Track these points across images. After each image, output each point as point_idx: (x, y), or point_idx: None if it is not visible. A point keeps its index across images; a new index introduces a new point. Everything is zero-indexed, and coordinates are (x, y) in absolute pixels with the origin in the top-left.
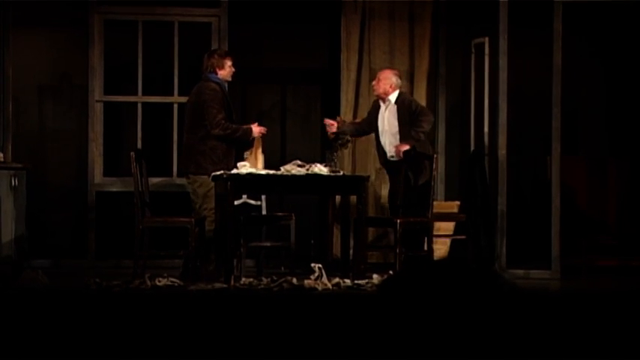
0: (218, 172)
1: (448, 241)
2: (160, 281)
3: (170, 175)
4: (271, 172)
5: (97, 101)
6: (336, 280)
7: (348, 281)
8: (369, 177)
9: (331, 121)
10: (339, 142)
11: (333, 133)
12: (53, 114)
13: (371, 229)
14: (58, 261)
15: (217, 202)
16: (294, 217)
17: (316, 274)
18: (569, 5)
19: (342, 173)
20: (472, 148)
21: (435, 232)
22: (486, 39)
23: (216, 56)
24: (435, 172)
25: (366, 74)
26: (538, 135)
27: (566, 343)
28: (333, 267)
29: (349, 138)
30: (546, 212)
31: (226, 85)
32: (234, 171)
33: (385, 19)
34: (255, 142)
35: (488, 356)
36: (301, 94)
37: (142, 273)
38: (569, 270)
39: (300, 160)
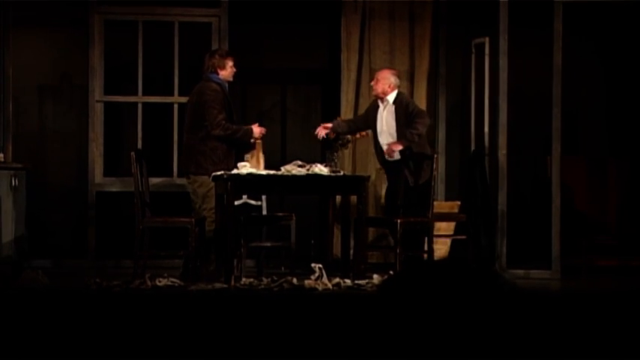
0: (218, 173)
1: (448, 241)
2: (160, 281)
3: (170, 175)
4: (271, 172)
5: (97, 101)
6: (337, 280)
7: (348, 281)
8: (369, 177)
9: (327, 126)
10: (340, 142)
11: (326, 134)
12: (53, 114)
13: (371, 229)
14: (58, 261)
15: (217, 202)
16: (294, 218)
17: (316, 274)
18: (569, 5)
19: (342, 173)
20: (472, 148)
21: (435, 232)
22: (486, 39)
23: (217, 56)
24: (435, 172)
25: (367, 74)
26: (538, 135)
27: (567, 343)
28: (334, 267)
29: (349, 138)
30: (546, 212)
31: (227, 85)
32: (235, 171)
33: (385, 19)
34: (257, 145)
35: (488, 356)
36: (301, 94)
37: (142, 273)
38: (570, 270)
39: (301, 160)
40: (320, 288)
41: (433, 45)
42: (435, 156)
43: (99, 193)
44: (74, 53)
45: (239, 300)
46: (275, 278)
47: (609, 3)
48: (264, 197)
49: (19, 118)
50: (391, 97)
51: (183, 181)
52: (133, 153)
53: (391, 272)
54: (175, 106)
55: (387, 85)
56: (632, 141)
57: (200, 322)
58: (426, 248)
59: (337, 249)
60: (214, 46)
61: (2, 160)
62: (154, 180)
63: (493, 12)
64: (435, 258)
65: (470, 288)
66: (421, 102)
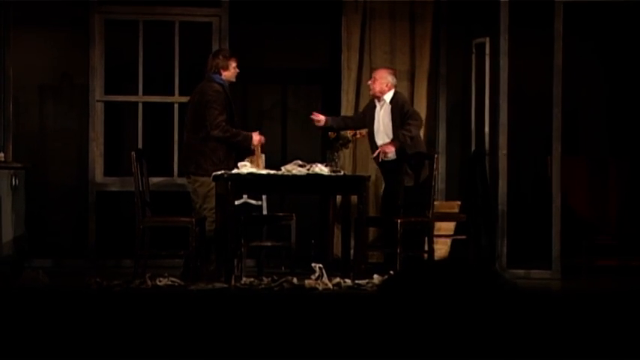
0: (219, 172)
1: (449, 241)
2: (160, 281)
3: (171, 174)
4: (272, 172)
5: (97, 101)
6: (337, 280)
7: (348, 281)
8: (369, 177)
9: (318, 117)
10: (340, 141)
11: (328, 134)
12: (54, 114)
13: (372, 229)
14: (58, 260)
15: (218, 202)
16: (294, 217)
17: (317, 274)
18: (569, 5)
19: (342, 173)
20: (473, 148)
21: (435, 232)
22: (487, 39)
23: (221, 57)
24: (435, 172)
25: (367, 74)
26: (539, 135)
27: (567, 343)
28: (334, 267)
29: (350, 138)
30: (547, 212)
31: (229, 86)
32: (235, 171)
33: (386, 19)
34: (256, 152)
35: (488, 356)
36: (302, 93)
37: (143, 273)
38: (570, 270)
39: (301, 160)
40: (320, 288)
41: (434, 45)
42: (436, 156)
43: (99, 192)
44: (75, 53)
45: (239, 300)
46: (275, 278)
47: (610, 3)
48: (264, 197)
49: (19, 118)
50: (388, 96)
51: (183, 180)
52: (133, 152)
53: (391, 272)
54: (176, 105)
55: (385, 85)
56: (633, 141)
57: (200, 321)
58: (426, 248)
59: (338, 249)
60: (215, 46)
61: (3, 159)
62: (154, 179)
63: (494, 12)
64: (436, 258)
65: (470, 288)
66: (422, 102)
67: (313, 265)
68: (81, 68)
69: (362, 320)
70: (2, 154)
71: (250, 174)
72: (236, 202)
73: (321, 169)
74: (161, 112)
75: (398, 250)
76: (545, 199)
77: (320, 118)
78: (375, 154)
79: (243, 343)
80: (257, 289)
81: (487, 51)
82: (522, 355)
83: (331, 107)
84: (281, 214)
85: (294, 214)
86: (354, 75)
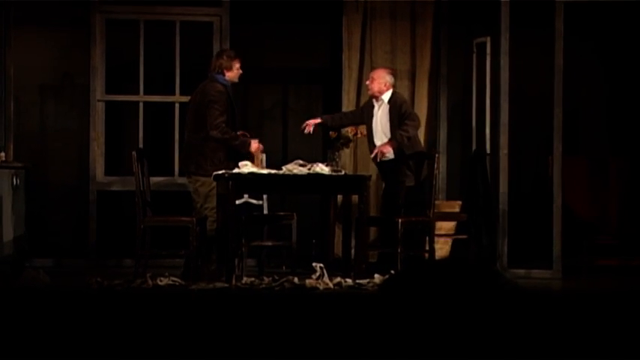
0: (220, 172)
1: (450, 240)
2: (161, 280)
3: (171, 174)
4: (273, 171)
5: (98, 100)
6: (338, 279)
7: (349, 281)
8: (370, 176)
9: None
10: (341, 141)
11: (321, 126)
12: (55, 113)
13: (372, 229)
14: (59, 260)
15: (219, 202)
16: (295, 217)
17: (318, 274)
18: (570, 5)
19: (343, 173)
20: (473, 147)
21: (436, 232)
22: (488, 38)
23: (225, 57)
24: (436, 172)
25: (368, 74)
26: (539, 134)
27: (568, 343)
28: (335, 266)
29: (351, 137)
30: (547, 212)
31: (231, 87)
32: (236, 170)
33: (387, 19)
34: (255, 159)
35: (489, 356)
36: (303, 93)
37: (144, 272)
38: (571, 270)
39: (302, 159)
40: (321, 287)
41: (434, 44)
42: (437, 155)
43: (100, 192)
44: (76, 52)
45: (240, 299)
46: (276, 277)
47: (610, 3)
48: (265, 196)
49: (20, 118)
50: (386, 96)
51: (184, 180)
52: (134, 152)
53: (392, 272)
54: (176, 105)
55: (383, 84)
56: (633, 141)
57: (201, 321)
58: (427, 248)
59: (338, 248)
60: (216, 46)
61: (3, 159)
62: (155, 179)
63: (494, 12)
64: (436, 257)
65: (471, 287)
66: (422, 101)
67: (314, 264)
68: (82, 68)
69: (363, 320)
70: (3, 154)
71: (251, 173)
72: (237, 202)
73: (322, 168)
74: (162, 112)
75: (399, 250)
76: (545, 198)
77: (311, 129)
78: (373, 155)
79: (244, 342)
80: (258, 289)
81: (488, 51)
82: (523, 355)
83: (332, 107)
84: (282, 213)
85: (294, 214)
86: (354, 75)
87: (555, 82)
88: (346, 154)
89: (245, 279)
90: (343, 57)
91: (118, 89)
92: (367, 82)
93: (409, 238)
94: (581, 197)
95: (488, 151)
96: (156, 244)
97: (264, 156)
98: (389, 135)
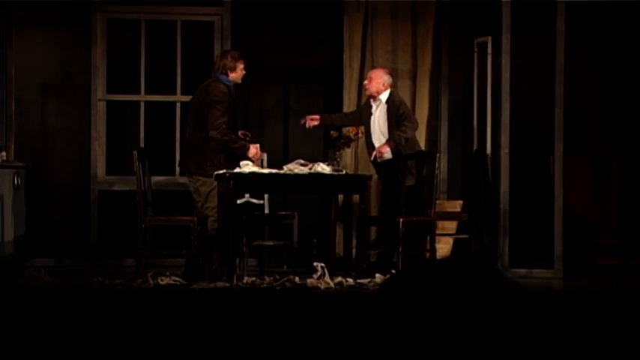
0: (221, 172)
1: (451, 240)
2: (162, 280)
3: (173, 173)
4: (274, 171)
5: (99, 100)
6: (339, 279)
7: (350, 280)
8: (371, 176)
9: (313, 118)
10: (342, 140)
11: (315, 126)
12: (56, 113)
13: (373, 228)
14: (60, 260)
15: (220, 201)
16: (296, 216)
17: (319, 273)
18: (571, 5)
19: (344, 172)
20: (475, 147)
21: (437, 232)
22: (489, 38)
23: (230, 58)
24: (437, 171)
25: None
26: (540, 134)
27: (569, 343)
28: (336, 266)
29: (352, 137)
30: (549, 211)
31: (234, 87)
32: (237, 170)
33: (388, 18)
34: (254, 164)
35: (490, 356)
36: (304, 93)
37: (145, 272)
38: (572, 269)
39: (303, 159)
40: (322, 287)
41: (435, 44)
42: (438, 155)
43: (101, 191)
44: (77, 52)
45: (241, 299)
46: (277, 277)
47: (611, 3)
48: (266, 196)
49: (21, 117)
50: (384, 96)
51: (185, 179)
52: (135, 152)
53: (393, 271)
54: (178, 104)
55: (381, 84)
56: (635, 140)
57: (202, 321)
58: (428, 247)
59: (339, 248)
60: (217, 45)
61: (5, 158)
62: (156, 178)
63: (496, 11)
64: (438, 257)
65: (472, 287)
66: (423, 101)
67: (315, 264)
68: (83, 67)
69: (364, 319)
70: (4, 153)
71: (252, 173)
72: (238, 201)
73: (323, 168)
74: (163, 111)
75: (400, 250)
76: (547, 198)
77: (314, 118)
78: (372, 157)
79: (245, 342)
80: (259, 289)
81: (489, 50)
82: (524, 355)
83: (333, 106)
84: (283, 213)
85: (296, 213)
86: (355, 74)
87: (556, 81)
88: (347, 153)
89: (246, 278)
90: (344, 56)
91: (119, 89)
92: (365, 82)
93: (408, 237)
94: (582, 197)
95: (489, 150)
96: (157, 243)
97: (265, 155)
98: (386, 135)
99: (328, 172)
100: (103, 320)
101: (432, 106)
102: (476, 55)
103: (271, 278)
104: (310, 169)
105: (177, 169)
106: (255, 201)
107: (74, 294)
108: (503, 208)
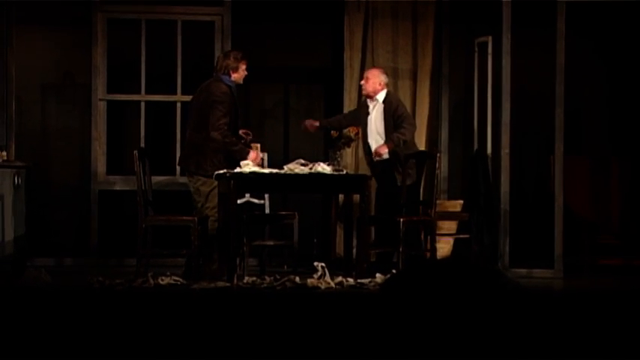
0: (221, 171)
1: (451, 240)
2: (162, 280)
3: (173, 173)
4: (274, 170)
5: (100, 100)
6: (339, 279)
7: (351, 280)
8: (371, 176)
9: (311, 123)
10: (342, 140)
11: (316, 127)
12: (56, 113)
13: (372, 228)
14: (60, 259)
15: (220, 201)
16: (297, 216)
17: (319, 273)
18: (572, 5)
19: (345, 172)
20: (475, 147)
21: (438, 231)
22: (489, 38)
23: (232, 58)
24: (437, 171)
25: None
26: (541, 134)
27: (569, 343)
28: (336, 266)
29: (353, 137)
30: (549, 211)
31: (236, 88)
32: (238, 170)
33: (388, 18)
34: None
35: (491, 355)
36: (304, 92)
37: (145, 271)
38: (572, 269)
39: (304, 159)
40: (322, 287)
41: (436, 44)
42: (438, 155)
43: (101, 191)
44: (77, 52)
45: (242, 299)
46: (278, 277)
47: (612, 3)
48: (267, 196)
49: (22, 117)
50: (381, 96)
51: (185, 179)
52: (135, 151)
53: (394, 271)
54: (178, 104)
55: (378, 84)
56: (635, 140)
57: (203, 320)
58: (428, 247)
59: (340, 248)
60: (217, 45)
61: (5, 158)
62: (156, 178)
63: (496, 11)
64: (438, 257)
65: (472, 287)
66: (424, 101)
67: (315, 264)
68: (83, 67)
69: (364, 319)
70: (5, 153)
71: (253, 173)
72: (238, 201)
73: (323, 168)
74: (163, 111)
75: (400, 249)
76: (547, 198)
77: (314, 124)
78: (374, 154)
79: (245, 342)
80: (259, 288)
81: (489, 50)
82: (525, 355)
83: (333, 106)
84: (283, 213)
85: (296, 213)
86: (356, 74)
87: (557, 81)
88: (347, 153)
89: (247, 278)
90: (345, 56)
91: (120, 88)
92: (362, 82)
93: (408, 237)
94: (582, 197)
95: (489, 150)
96: (157, 243)
97: (265, 155)
98: (383, 135)
99: (329, 172)
100: (103, 320)
101: (433, 106)
102: (476, 55)
103: (272, 278)
104: (311, 168)
105: (178, 168)
106: (255, 201)
107: (74, 294)
108: (503, 208)
